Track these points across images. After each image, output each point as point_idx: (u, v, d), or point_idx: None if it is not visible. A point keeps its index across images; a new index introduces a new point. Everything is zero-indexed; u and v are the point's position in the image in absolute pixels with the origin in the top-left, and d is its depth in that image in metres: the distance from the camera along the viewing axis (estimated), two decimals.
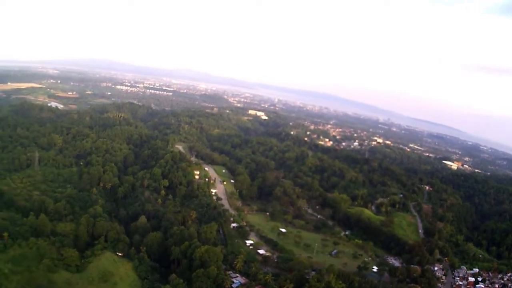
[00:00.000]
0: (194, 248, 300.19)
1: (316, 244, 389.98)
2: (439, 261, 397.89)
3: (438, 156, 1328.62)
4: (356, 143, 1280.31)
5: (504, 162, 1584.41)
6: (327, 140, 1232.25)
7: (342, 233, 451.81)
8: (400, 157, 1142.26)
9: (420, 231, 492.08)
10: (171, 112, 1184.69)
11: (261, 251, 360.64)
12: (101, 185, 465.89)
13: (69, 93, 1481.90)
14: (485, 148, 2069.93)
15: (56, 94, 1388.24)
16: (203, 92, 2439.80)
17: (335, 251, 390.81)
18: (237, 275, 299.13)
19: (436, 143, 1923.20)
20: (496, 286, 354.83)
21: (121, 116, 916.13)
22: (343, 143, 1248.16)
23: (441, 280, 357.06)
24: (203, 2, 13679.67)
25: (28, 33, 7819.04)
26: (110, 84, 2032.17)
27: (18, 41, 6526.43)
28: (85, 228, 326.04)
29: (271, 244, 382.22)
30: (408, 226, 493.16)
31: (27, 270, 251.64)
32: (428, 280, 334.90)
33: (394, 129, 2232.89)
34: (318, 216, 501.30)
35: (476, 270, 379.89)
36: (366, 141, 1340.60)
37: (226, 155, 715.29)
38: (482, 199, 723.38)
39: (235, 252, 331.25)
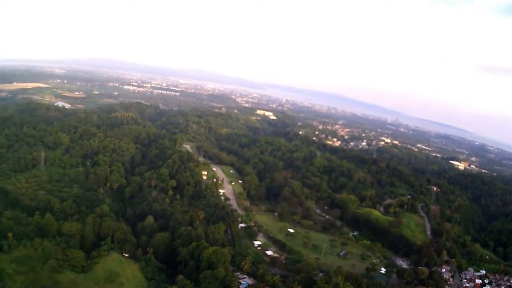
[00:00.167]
0: (202, 249, 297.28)
1: (325, 245, 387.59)
2: (447, 262, 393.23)
3: (445, 156, 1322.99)
4: (364, 143, 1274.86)
5: (511, 162, 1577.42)
6: (335, 140, 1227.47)
7: (351, 234, 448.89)
8: (407, 157, 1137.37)
9: (428, 232, 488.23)
10: (179, 111, 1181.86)
11: (269, 252, 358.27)
12: (108, 185, 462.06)
13: (76, 93, 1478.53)
14: (491, 148, 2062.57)
15: (63, 94, 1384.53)
16: (210, 92, 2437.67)
17: (343, 252, 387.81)
18: (245, 276, 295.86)
19: (444, 143, 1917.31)
20: None
21: (128, 115, 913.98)
22: (351, 143, 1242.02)
23: (449, 282, 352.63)
24: (212, 1, 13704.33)
25: (34, 32, 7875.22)
26: (117, 84, 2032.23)
27: (25, 40, 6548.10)
28: (91, 228, 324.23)
29: (279, 245, 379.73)
30: (416, 227, 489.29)
31: (32, 271, 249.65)
32: (436, 282, 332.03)
33: (402, 130, 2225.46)
34: (327, 217, 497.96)
35: (483, 272, 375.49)
36: (374, 141, 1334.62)
37: (234, 155, 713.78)
38: (489, 200, 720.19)
39: (243, 253, 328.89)
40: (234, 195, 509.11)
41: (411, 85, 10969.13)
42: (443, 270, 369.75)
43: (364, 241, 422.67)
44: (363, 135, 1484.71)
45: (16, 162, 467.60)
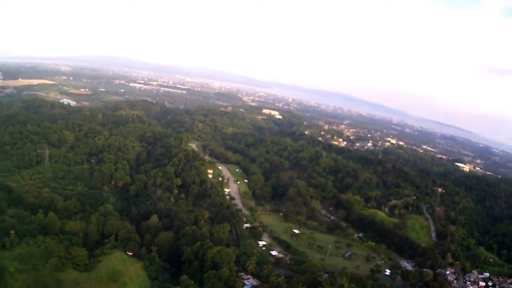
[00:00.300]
0: (206, 249, 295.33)
1: (330, 246, 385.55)
2: (451, 265, 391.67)
3: (450, 158, 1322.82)
4: (369, 144, 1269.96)
5: None
6: (341, 140, 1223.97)
7: (356, 235, 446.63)
8: (413, 158, 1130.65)
9: (432, 234, 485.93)
10: (185, 110, 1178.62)
11: (274, 253, 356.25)
12: (113, 183, 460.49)
13: (81, 90, 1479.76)
14: (496, 150, 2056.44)
15: (68, 91, 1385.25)
16: (217, 91, 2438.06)
17: (348, 253, 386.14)
18: (249, 276, 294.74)
19: (449, 144, 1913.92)
20: None
21: (134, 113, 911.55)
22: (357, 144, 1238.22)
23: (453, 285, 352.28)
24: (219, 0, 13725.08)
25: (40, 29, 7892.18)
26: (123, 82, 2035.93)
27: (31, 37, 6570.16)
28: (95, 226, 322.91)
29: (284, 245, 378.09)
30: (421, 229, 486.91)
31: (34, 269, 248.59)
32: (440, 285, 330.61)
33: (408, 130, 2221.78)
34: (332, 218, 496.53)
35: (487, 274, 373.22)
36: (379, 142, 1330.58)
37: (240, 154, 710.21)
38: (493, 202, 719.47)
39: (247, 253, 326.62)
40: (240, 194, 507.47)
41: (417, 85, 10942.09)
42: (447, 273, 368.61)
43: (369, 242, 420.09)
44: (369, 135, 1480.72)
45: (20, 159, 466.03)
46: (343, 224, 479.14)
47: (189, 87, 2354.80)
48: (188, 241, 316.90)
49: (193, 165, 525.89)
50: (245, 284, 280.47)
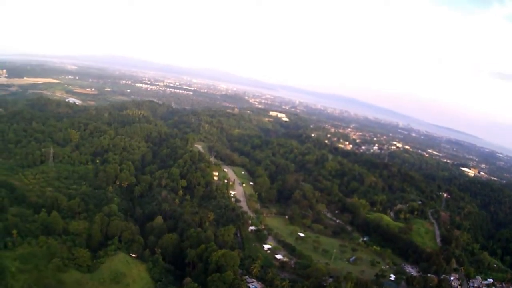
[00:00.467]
0: (211, 252, 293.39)
1: (335, 250, 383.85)
2: (455, 270, 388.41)
3: (455, 163, 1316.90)
4: (375, 147, 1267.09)
5: None
6: (347, 143, 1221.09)
7: (361, 239, 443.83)
8: (418, 163, 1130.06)
9: (437, 239, 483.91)
10: (191, 111, 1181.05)
11: (278, 256, 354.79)
12: (118, 183, 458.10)
13: (87, 89, 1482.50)
14: (501, 155, 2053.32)
15: (74, 90, 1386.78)
16: (223, 92, 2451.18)
17: (353, 257, 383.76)
18: (254, 280, 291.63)
19: (454, 149, 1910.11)
20: None
21: (140, 113, 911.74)
22: (363, 147, 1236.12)
23: None
24: (227, 2, 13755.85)
25: (47, 28, 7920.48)
26: (129, 82, 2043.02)
27: (37, 36, 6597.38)
28: (99, 227, 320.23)
29: (289, 249, 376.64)
30: (426, 234, 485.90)
31: (36, 269, 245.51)
32: None
33: (414, 134, 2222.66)
34: (337, 221, 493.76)
35: (491, 280, 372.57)
36: (385, 146, 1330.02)
37: (246, 156, 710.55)
38: (498, 207, 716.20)
39: (252, 257, 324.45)
40: (245, 197, 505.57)
41: (423, 90, 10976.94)
42: (452, 278, 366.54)
43: (374, 247, 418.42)
44: (375, 139, 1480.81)
45: (24, 158, 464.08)
46: (349, 228, 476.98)
47: (195, 88, 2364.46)
48: (193, 244, 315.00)
49: (198, 166, 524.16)
50: (249, 287, 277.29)
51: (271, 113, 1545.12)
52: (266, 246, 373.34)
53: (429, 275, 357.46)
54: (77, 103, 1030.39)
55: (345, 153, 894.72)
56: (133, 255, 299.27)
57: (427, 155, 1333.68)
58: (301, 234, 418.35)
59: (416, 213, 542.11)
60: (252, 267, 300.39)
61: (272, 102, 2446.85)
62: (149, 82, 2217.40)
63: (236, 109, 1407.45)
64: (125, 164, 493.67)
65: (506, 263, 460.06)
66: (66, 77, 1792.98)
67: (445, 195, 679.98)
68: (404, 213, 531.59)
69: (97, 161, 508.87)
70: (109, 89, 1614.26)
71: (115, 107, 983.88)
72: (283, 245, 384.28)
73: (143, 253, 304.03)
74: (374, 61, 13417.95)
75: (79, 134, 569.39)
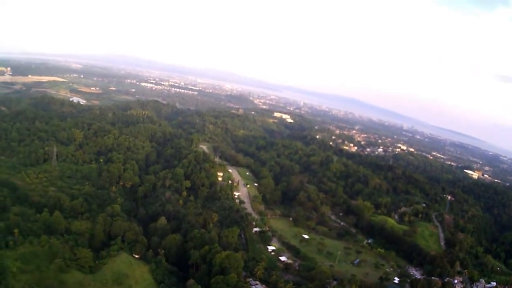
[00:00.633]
0: (214, 253, 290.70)
1: (339, 253, 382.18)
2: (459, 273, 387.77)
3: (459, 165, 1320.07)
4: (380, 149, 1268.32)
5: None
6: (351, 145, 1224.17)
7: (365, 242, 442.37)
8: (423, 165, 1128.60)
9: (441, 242, 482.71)
10: (196, 111, 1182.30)
11: (283, 258, 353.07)
12: (121, 183, 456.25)
13: (92, 88, 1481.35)
14: (505, 158, 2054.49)
15: (79, 89, 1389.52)
16: (228, 93, 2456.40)
17: (357, 260, 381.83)
18: (257, 282, 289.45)
19: (458, 151, 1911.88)
20: None
21: (145, 113, 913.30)
22: (368, 149, 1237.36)
23: None
24: (232, 3, 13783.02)
25: (53, 26, 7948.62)
26: (134, 81, 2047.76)
27: (42, 34, 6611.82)
28: (101, 227, 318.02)
29: (293, 251, 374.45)
30: (430, 237, 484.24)
31: (37, 269, 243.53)
32: None
33: (418, 137, 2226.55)
34: (342, 223, 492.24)
35: (494, 283, 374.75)
36: (390, 148, 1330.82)
37: (251, 157, 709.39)
38: (501, 210, 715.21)
39: (256, 258, 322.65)
40: (249, 198, 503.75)
41: (424, 91, 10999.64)
42: (456, 281, 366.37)
43: (378, 249, 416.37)
44: (379, 141, 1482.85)
45: (26, 157, 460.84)
46: (353, 230, 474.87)
47: (200, 88, 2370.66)
48: (196, 245, 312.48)
49: (203, 167, 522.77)
50: None
51: (276, 114, 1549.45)
52: (270, 248, 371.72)
53: (433, 278, 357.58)
54: (81, 102, 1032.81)
55: (350, 155, 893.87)
56: (136, 256, 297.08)
57: (431, 158, 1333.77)
58: (306, 236, 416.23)
59: (420, 215, 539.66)
60: (256, 269, 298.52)
61: (277, 103, 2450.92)
62: (154, 81, 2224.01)
63: (240, 110, 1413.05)
64: (129, 164, 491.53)
65: (509, 266, 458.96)
66: (71, 75, 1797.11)
67: (449, 197, 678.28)
68: (408, 216, 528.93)
69: (101, 160, 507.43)
70: (113, 88, 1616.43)
71: (120, 107, 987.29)
72: (287, 247, 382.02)
73: (146, 254, 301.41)
74: (374, 61, 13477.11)
75: (82, 133, 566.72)
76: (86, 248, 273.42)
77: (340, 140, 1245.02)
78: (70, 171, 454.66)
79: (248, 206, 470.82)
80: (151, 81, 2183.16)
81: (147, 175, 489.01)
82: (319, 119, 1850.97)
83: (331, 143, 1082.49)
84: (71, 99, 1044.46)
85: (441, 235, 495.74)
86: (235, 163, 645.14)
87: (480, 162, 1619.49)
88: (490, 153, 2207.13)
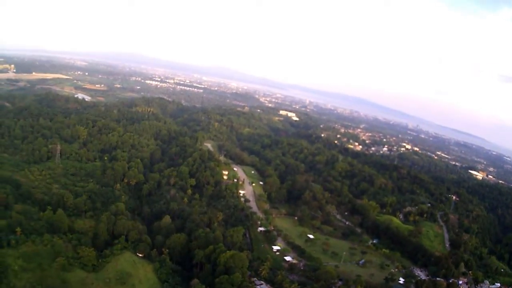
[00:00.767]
0: (219, 253, 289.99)
1: (344, 253, 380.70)
2: (464, 274, 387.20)
3: (464, 165, 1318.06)
4: (385, 149, 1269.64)
5: None
6: (356, 144, 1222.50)
7: (370, 242, 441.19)
8: (428, 165, 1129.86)
9: (446, 242, 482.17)
10: (201, 109, 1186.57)
11: (287, 258, 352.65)
12: (126, 181, 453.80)
13: (97, 85, 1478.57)
14: (508, 159, 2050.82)
15: (83, 86, 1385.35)
16: (234, 91, 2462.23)
17: (362, 260, 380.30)
18: (262, 282, 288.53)
19: (463, 151, 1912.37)
20: None
21: (150, 111, 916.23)
22: (373, 148, 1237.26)
23: None
24: (238, 1, 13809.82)
25: (58, 23, 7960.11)
26: (139, 79, 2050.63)
27: (47, 31, 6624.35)
28: (105, 225, 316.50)
29: (298, 250, 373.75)
30: (435, 237, 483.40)
31: (39, 268, 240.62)
32: None
33: (423, 136, 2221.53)
34: (347, 223, 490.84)
35: (498, 285, 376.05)
36: (395, 147, 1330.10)
37: (256, 156, 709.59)
38: (505, 211, 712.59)
39: (261, 258, 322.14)
40: (254, 196, 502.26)
41: (433, 91, 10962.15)
42: (460, 282, 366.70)
43: (384, 249, 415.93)
44: (384, 140, 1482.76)
45: (30, 154, 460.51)
46: (358, 230, 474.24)
47: (206, 86, 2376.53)
48: (201, 244, 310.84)
49: (208, 165, 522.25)
50: None
51: (281, 112, 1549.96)
52: (275, 248, 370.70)
53: (438, 279, 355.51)
54: (86, 99, 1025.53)
55: (355, 154, 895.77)
56: (140, 255, 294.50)
57: (436, 158, 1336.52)
58: (311, 236, 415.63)
59: (425, 215, 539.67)
60: (261, 269, 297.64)
61: (282, 101, 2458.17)
62: (159, 79, 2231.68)
63: (246, 108, 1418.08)
64: (134, 162, 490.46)
65: None
66: (76, 73, 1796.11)
67: (454, 198, 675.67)
68: (413, 216, 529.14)
69: (105, 158, 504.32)
70: (118, 86, 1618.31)
71: (125, 104, 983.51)
72: (292, 246, 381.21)
73: (150, 253, 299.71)
74: (380, 61, 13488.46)
75: (87, 130, 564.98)
76: (89, 247, 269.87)
77: (345, 139, 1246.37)
78: (74, 168, 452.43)
79: (253, 205, 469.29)
80: (156, 79, 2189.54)
81: (152, 173, 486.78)
82: (325, 118, 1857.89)
83: (336, 141, 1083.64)
84: (76, 96, 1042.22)
85: (446, 236, 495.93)
86: (240, 162, 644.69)
87: (484, 163, 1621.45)
88: (493, 153, 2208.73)
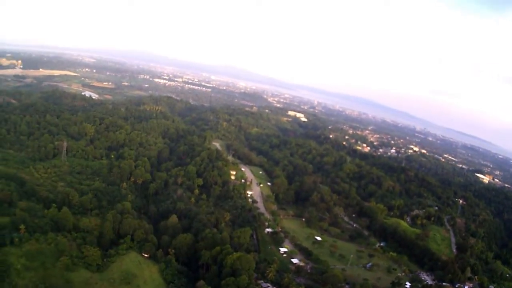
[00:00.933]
0: (226, 254, 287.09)
1: (351, 256, 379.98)
2: (470, 279, 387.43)
3: (470, 169, 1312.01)
4: (393, 151, 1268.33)
5: None
6: (364, 145, 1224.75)
7: (377, 245, 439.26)
8: (435, 167, 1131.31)
9: (453, 246, 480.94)
10: (209, 108, 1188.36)
11: (294, 260, 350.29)
12: (132, 180, 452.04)
13: (104, 83, 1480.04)
14: None
15: (91, 83, 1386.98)
16: (242, 90, 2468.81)
17: (369, 264, 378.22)
18: (269, 284, 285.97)
19: (469, 154, 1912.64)
20: None
21: (158, 109, 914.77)
22: (380, 150, 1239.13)
23: None
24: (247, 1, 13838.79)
25: (67, 19, 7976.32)
26: (148, 77, 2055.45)
27: (56, 27, 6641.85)
28: (111, 224, 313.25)
29: (305, 253, 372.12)
30: (442, 241, 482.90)
31: (42, 267, 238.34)
32: None
33: (430, 139, 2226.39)
34: (354, 225, 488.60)
35: None
36: (402, 149, 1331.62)
37: (264, 156, 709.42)
38: (511, 215, 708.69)
39: (268, 260, 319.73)
40: (262, 197, 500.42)
41: (433, 92, 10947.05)
42: (466, 287, 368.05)
43: (391, 252, 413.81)
44: (392, 142, 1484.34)
45: (36, 151, 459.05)
46: (366, 233, 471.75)
47: (214, 85, 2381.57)
48: (207, 245, 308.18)
49: (216, 165, 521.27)
50: None
51: (290, 112, 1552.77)
52: (282, 250, 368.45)
53: (444, 283, 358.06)
54: (94, 97, 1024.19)
55: (363, 156, 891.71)
56: (145, 255, 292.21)
57: (443, 160, 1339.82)
58: (318, 238, 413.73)
59: (432, 219, 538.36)
60: (267, 271, 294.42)
61: (291, 102, 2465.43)
62: (168, 77, 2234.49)
63: (254, 108, 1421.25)
64: (141, 160, 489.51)
65: None
66: (83, 70, 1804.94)
67: (460, 201, 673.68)
68: (420, 219, 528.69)
69: (112, 156, 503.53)
70: (126, 84, 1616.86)
71: (132, 102, 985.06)
72: (299, 248, 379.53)
73: (156, 253, 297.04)
74: (378, 61, 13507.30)
75: (94, 128, 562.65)
76: (94, 246, 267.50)
77: (353, 140, 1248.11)
78: (80, 166, 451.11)
79: (260, 206, 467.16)
80: (164, 77, 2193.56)
81: (159, 172, 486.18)
82: (333, 119, 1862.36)
83: (344, 143, 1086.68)
84: (83, 93, 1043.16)
85: (453, 239, 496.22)
86: (248, 162, 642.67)
87: (491, 166, 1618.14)
88: (500, 156, 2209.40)
